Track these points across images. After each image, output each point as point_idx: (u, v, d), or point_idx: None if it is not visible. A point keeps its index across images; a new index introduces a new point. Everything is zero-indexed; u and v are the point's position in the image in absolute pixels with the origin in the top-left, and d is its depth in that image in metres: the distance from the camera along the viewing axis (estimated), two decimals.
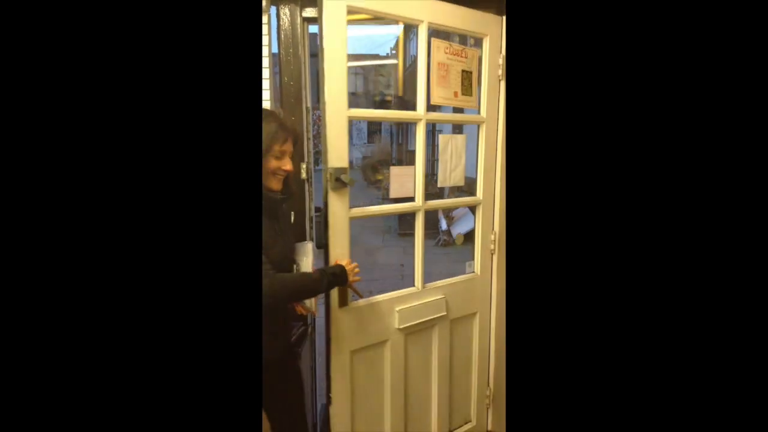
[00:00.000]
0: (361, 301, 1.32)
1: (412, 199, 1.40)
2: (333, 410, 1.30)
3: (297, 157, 1.19)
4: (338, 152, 1.19)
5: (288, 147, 1.07)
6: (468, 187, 1.63)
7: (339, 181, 1.18)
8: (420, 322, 1.44)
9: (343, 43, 1.16)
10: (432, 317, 1.47)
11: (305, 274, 1.15)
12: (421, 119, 1.35)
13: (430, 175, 5.40)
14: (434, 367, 1.54)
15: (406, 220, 5.36)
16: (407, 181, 1.37)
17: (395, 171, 1.37)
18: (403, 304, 1.40)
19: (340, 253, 1.23)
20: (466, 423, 1.70)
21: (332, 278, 1.11)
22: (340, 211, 1.22)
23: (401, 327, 1.40)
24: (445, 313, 1.51)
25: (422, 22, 1.30)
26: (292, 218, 1.35)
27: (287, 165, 1.07)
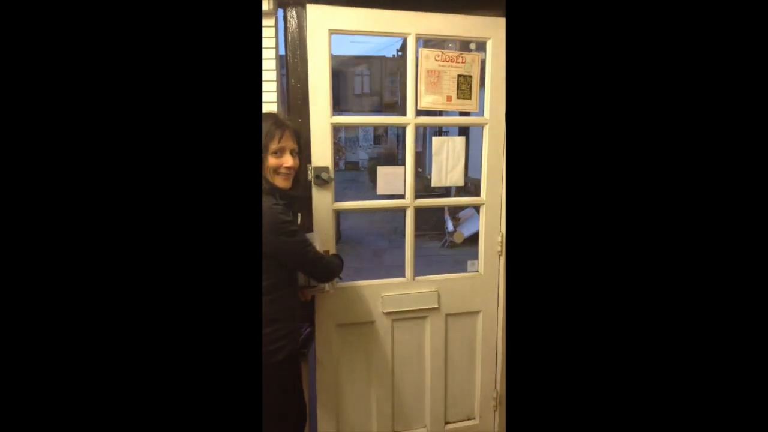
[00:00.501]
0: (347, 283, 1.51)
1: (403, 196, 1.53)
2: (318, 376, 1.52)
3: (303, 155, 1.24)
4: (321, 153, 1.40)
5: (286, 143, 1.11)
6: (475, 188, 1.65)
7: (319, 178, 1.40)
8: (407, 311, 1.56)
9: (325, 60, 1.36)
10: (420, 308, 1.57)
11: (335, 258, 1.32)
12: (409, 123, 1.47)
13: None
14: (427, 356, 1.62)
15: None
16: (395, 180, 1.51)
17: (383, 170, 1.51)
18: (389, 291, 1.54)
19: (324, 240, 1.44)
20: (468, 419, 1.73)
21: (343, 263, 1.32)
22: (323, 204, 1.43)
23: (386, 312, 1.54)
24: (437, 306, 1.59)
25: (410, 34, 1.42)
26: (299, 219, 1.44)
27: (288, 162, 1.11)
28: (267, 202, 1.08)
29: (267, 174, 1.11)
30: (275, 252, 1.09)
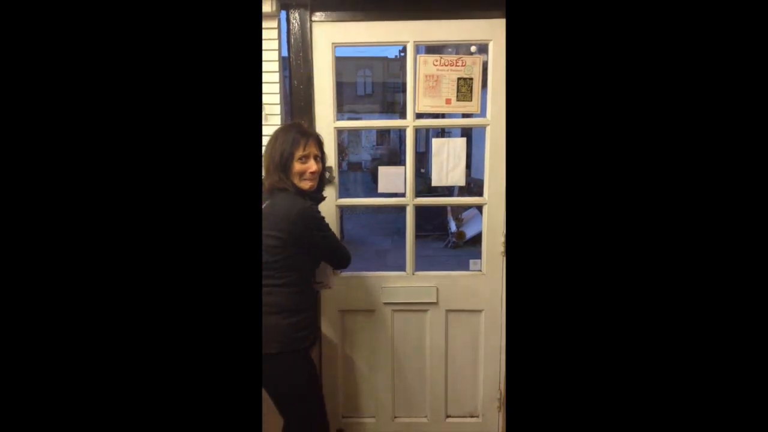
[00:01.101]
0: (349, 273, 1.64)
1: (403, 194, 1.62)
2: (323, 360, 1.68)
3: (323, 159, 1.35)
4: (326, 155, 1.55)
5: (311, 150, 1.21)
6: (479, 189, 1.68)
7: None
8: (406, 303, 1.65)
9: (329, 70, 1.51)
10: (419, 301, 1.65)
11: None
12: (409, 126, 1.55)
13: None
14: (427, 349, 1.69)
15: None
16: (396, 179, 1.60)
17: (383, 170, 1.62)
18: (389, 284, 1.64)
19: None
20: (471, 417, 1.75)
21: None
22: (327, 200, 1.58)
23: (386, 302, 1.64)
24: (435, 301, 1.64)
25: (408, 42, 1.51)
26: None
27: (312, 167, 1.21)
28: (304, 203, 1.20)
29: (293, 178, 1.21)
30: (316, 246, 1.23)
